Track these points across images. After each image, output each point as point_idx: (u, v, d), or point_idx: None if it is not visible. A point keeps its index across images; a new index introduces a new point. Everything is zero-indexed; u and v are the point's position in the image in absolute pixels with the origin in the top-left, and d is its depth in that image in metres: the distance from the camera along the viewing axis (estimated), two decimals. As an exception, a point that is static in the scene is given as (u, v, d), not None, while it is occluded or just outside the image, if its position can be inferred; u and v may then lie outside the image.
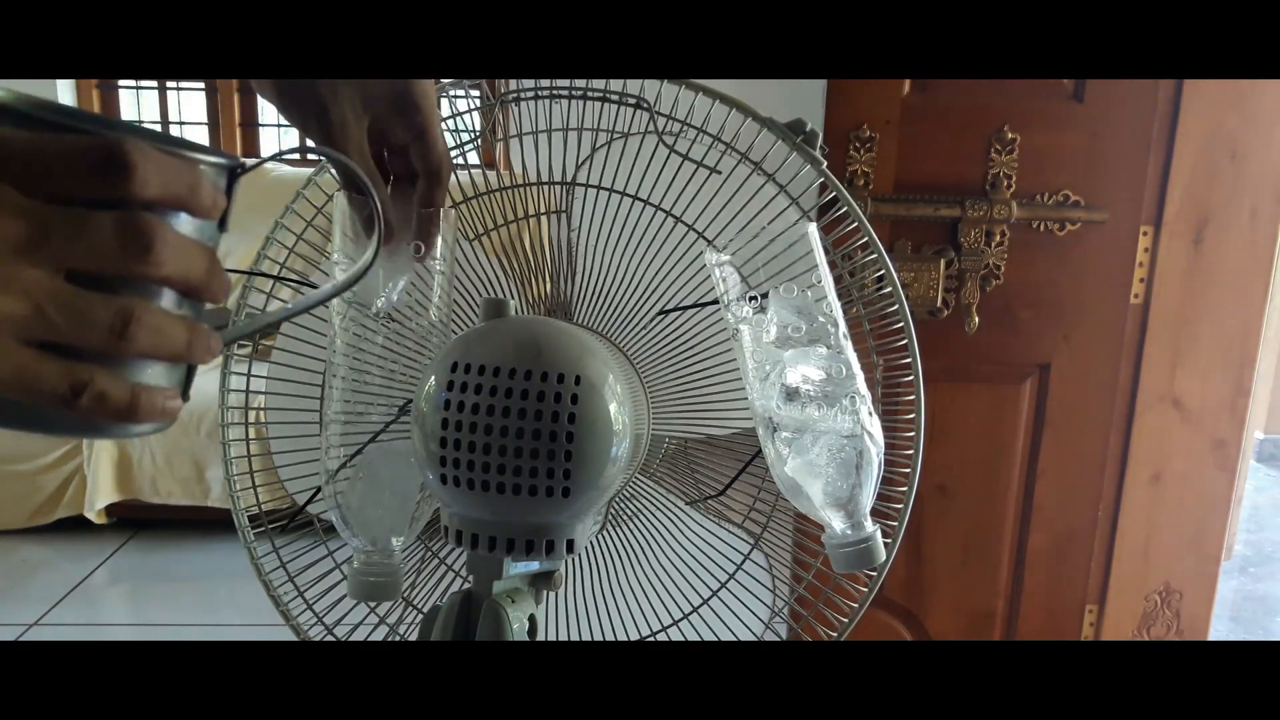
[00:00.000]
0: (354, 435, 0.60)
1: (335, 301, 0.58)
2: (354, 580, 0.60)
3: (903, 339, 0.68)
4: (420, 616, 0.75)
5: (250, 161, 0.37)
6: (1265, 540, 2.99)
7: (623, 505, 0.74)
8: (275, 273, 0.72)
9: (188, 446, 2.52)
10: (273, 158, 0.41)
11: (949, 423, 1.30)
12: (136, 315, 0.31)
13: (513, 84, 0.71)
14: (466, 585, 0.58)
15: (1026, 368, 1.31)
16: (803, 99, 1.20)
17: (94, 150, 0.29)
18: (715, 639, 0.74)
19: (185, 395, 0.36)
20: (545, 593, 0.61)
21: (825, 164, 0.66)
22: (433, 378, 0.52)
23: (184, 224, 0.33)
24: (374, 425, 0.60)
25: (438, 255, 0.60)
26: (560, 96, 0.69)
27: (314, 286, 0.73)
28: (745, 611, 0.74)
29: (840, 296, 0.60)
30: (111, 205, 0.30)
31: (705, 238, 0.70)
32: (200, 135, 3.17)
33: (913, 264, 1.26)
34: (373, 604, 0.74)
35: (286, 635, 0.74)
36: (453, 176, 0.74)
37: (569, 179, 0.70)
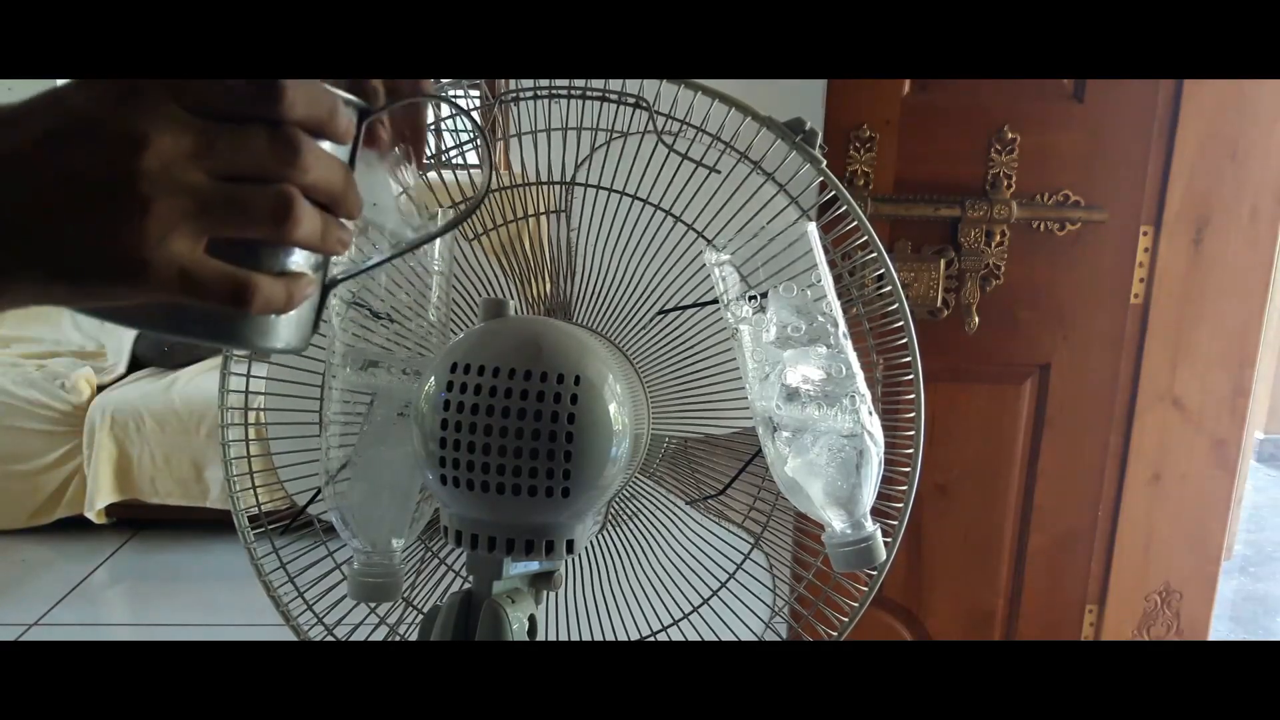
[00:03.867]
0: (354, 435, 0.59)
1: (335, 302, 0.58)
2: (354, 581, 0.60)
3: (903, 339, 0.68)
4: (420, 616, 0.75)
5: (378, 107, 0.41)
6: (1265, 540, 2.99)
7: (623, 505, 0.74)
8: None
9: (187, 447, 2.52)
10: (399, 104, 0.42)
11: (949, 423, 1.30)
12: (294, 199, 0.35)
13: (512, 84, 0.71)
14: (466, 585, 0.58)
15: (1026, 368, 1.31)
16: (803, 99, 1.20)
17: (253, 80, 0.35)
18: (715, 639, 0.74)
19: (317, 319, 0.40)
20: (545, 593, 0.61)
21: (824, 163, 0.66)
22: (432, 378, 0.52)
23: (325, 147, 0.37)
24: (374, 425, 0.59)
25: (436, 255, 0.60)
26: (560, 96, 0.69)
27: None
28: (745, 611, 0.74)
29: (840, 296, 0.60)
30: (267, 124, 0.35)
31: (705, 237, 0.70)
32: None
33: (913, 264, 1.26)
34: (373, 604, 0.74)
35: (286, 635, 0.74)
36: (452, 176, 0.74)
37: (569, 179, 0.70)
